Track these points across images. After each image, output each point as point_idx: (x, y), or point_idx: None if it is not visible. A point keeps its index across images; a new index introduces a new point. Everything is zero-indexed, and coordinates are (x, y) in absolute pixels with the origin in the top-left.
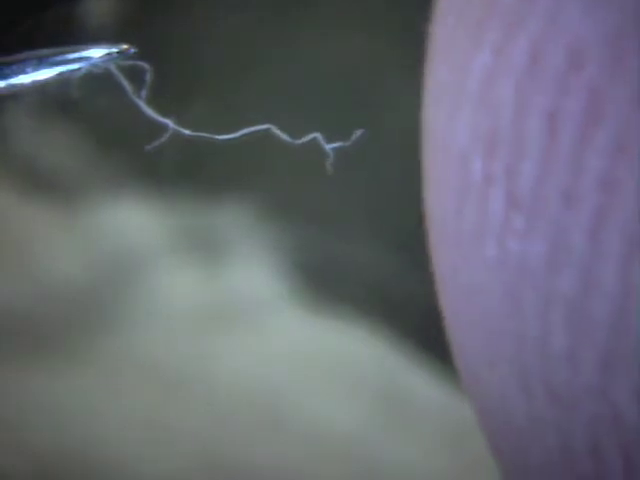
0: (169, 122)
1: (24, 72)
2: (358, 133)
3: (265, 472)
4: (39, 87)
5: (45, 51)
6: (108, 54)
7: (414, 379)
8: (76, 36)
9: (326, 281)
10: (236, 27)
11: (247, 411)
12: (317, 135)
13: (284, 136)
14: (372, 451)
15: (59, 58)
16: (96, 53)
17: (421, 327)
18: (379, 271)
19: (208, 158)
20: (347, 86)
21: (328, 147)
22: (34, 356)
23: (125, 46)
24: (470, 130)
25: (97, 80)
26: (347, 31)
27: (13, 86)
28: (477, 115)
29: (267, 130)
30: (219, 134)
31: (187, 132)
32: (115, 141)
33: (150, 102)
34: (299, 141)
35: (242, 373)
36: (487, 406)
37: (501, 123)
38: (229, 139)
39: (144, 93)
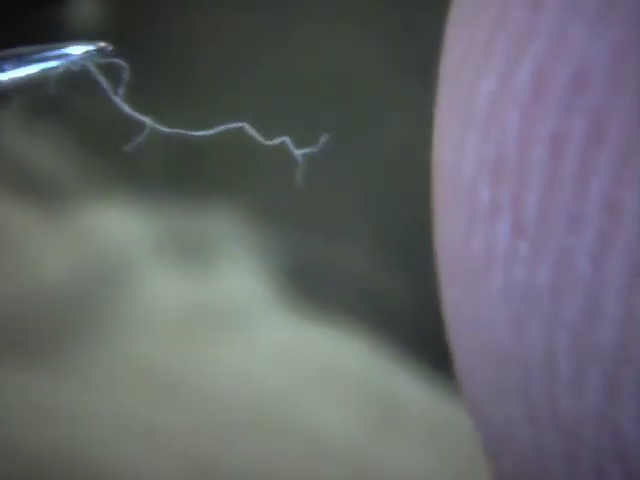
0: (146, 120)
1: (2, 70)
2: (325, 139)
3: (257, 474)
4: (18, 85)
5: (23, 49)
6: (86, 52)
7: (404, 383)
8: (58, 37)
9: (314, 284)
10: (221, 25)
11: (236, 414)
12: (285, 139)
13: (257, 135)
14: (362, 455)
15: (37, 56)
16: (74, 50)
17: (411, 330)
18: (368, 274)
19: (194, 161)
20: (343, 87)
21: (298, 153)
22: (22, 358)
23: (103, 44)
24: (476, 159)
25: (76, 78)
26: (341, 31)
27: None
28: (483, 143)
29: (241, 128)
30: (194, 131)
31: (165, 129)
32: (99, 141)
33: (128, 100)
34: (270, 142)
35: (229, 376)
36: (492, 432)
37: (507, 150)
38: (205, 135)
39: (121, 91)
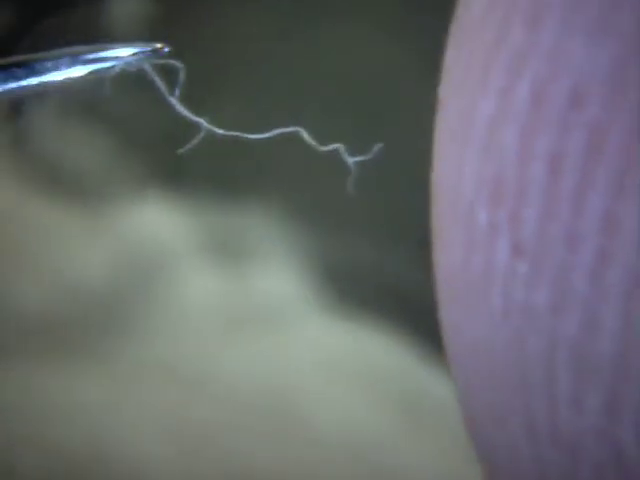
0: (202, 121)
1: (57, 69)
2: (378, 147)
3: (282, 473)
4: (69, 85)
5: (78, 48)
6: (142, 53)
7: (433, 381)
8: (103, 35)
9: (350, 285)
10: (261, 26)
11: (268, 414)
12: (339, 146)
13: (311, 141)
14: (390, 452)
15: (92, 56)
16: (129, 52)
17: (439, 329)
18: (399, 274)
19: (233, 160)
20: (366, 88)
21: (351, 160)
22: (54, 356)
23: (159, 45)
24: (475, 179)
25: (126, 79)
26: (370, 34)
27: (45, 83)
28: (482, 163)
29: (296, 133)
30: (248, 133)
31: (220, 131)
32: (140, 141)
33: (181, 101)
34: (324, 148)
35: (264, 375)
36: (491, 453)
37: (505, 169)
38: (260, 139)
39: (177, 92)
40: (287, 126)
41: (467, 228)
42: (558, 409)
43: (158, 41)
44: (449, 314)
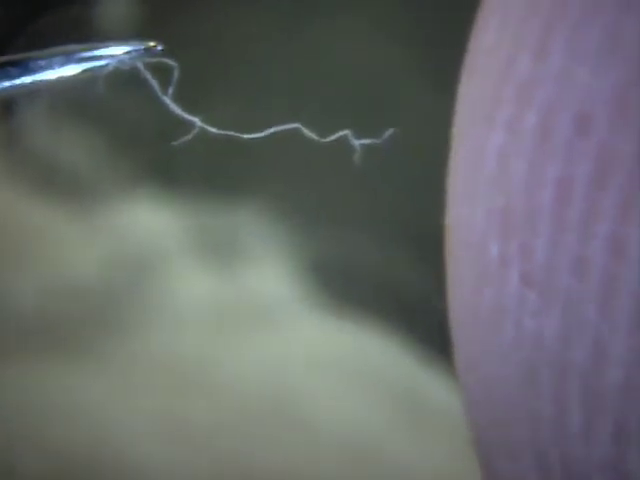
0: (196, 120)
1: (51, 68)
2: (389, 132)
3: (280, 473)
4: (63, 83)
5: (72, 47)
6: (135, 51)
7: (431, 381)
8: (97, 34)
9: (343, 283)
10: (258, 25)
11: (263, 412)
12: (347, 132)
13: (312, 135)
14: (388, 452)
15: (86, 54)
16: (123, 50)
17: (438, 329)
18: (397, 273)
19: (226, 158)
20: (365, 87)
21: (358, 143)
22: (50, 355)
23: (152, 43)
24: (486, 212)
25: (119, 78)
26: (365, 31)
27: (39, 82)
28: (492, 196)
29: (290, 131)
30: (243, 132)
31: (214, 130)
32: (133, 140)
33: (174, 100)
34: (327, 139)
35: (258, 374)
36: None
37: (514, 200)
38: (256, 138)
39: (171, 91)
40: (283, 125)
41: (479, 262)
42: (568, 442)
43: (151, 39)
44: (463, 352)
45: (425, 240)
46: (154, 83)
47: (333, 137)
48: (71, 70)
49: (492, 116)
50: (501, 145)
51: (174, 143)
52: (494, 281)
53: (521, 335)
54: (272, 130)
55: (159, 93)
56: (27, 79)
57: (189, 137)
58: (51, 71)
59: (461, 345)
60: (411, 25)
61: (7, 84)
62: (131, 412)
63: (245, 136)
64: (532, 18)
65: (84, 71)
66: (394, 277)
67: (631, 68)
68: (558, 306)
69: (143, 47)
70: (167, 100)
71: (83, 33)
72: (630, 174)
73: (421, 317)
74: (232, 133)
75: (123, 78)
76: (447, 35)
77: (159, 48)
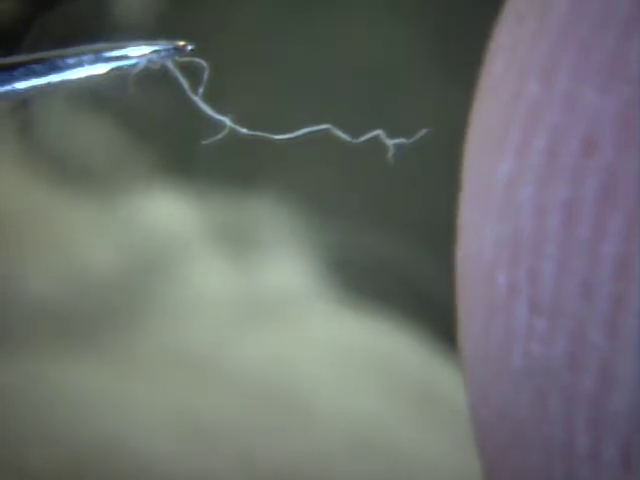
0: (227, 120)
1: (80, 66)
2: (423, 132)
3: (297, 466)
4: (91, 82)
5: (101, 45)
6: (164, 50)
7: (445, 374)
8: (107, 28)
9: (360, 276)
10: (283, 23)
11: (279, 405)
12: (380, 132)
13: (344, 135)
14: (403, 445)
15: (115, 53)
16: (152, 49)
17: (453, 322)
18: (414, 268)
19: (243, 150)
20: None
21: (391, 143)
22: (65, 347)
23: (182, 43)
24: (494, 242)
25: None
26: (397, 29)
27: (68, 81)
28: (500, 225)
29: (327, 130)
30: (272, 132)
31: (244, 131)
32: (151, 133)
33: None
34: (360, 139)
35: (274, 367)
36: None
37: (522, 227)
38: (286, 139)
39: (201, 91)
40: (311, 124)
41: (488, 293)
42: (576, 467)
43: (181, 38)
44: (475, 384)
45: (443, 235)
46: (184, 82)
47: (365, 137)
48: (100, 69)
49: (501, 143)
50: (509, 172)
51: (204, 142)
52: (503, 310)
53: (530, 363)
54: (304, 131)
55: (189, 93)
56: (55, 77)
57: (219, 137)
58: (79, 69)
59: (472, 379)
60: (440, 22)
61: (35, 82)
62: (144, 406)
63: (276, 137)
64: (539, 42)
65: (112, 70)
66: (410, 271)
67: (636, 88)
68: (565, 330)
69: (173, 46)
70: (197, 100)
71: (93, 28)
72: (638, 192)
73: (435, 310)
74: (263, 134)
75: (150, 76)
76: (479, 32)
77: (189, 47)
